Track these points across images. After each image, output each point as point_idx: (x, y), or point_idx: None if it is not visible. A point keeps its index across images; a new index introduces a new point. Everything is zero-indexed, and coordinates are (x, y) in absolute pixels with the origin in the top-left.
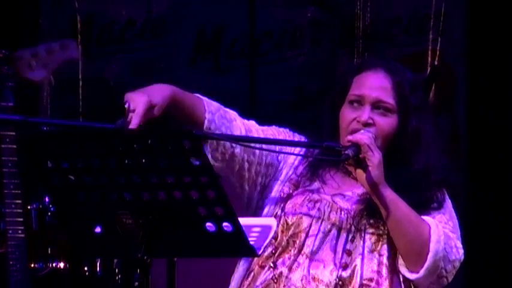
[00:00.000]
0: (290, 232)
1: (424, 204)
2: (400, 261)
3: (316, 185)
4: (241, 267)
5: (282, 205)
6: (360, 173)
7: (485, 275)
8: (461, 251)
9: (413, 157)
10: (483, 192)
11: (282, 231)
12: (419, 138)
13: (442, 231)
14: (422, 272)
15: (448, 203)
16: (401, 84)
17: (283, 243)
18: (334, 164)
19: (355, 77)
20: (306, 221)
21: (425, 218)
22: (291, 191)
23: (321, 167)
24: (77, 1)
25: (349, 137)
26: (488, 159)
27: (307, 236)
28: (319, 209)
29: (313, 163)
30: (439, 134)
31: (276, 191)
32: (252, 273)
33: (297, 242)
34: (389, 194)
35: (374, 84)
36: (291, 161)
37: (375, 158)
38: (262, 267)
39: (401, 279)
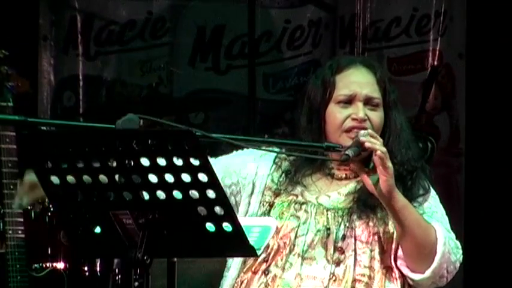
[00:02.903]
0: (280, 234)
1: (410, 192)
2: (400, 262)
3: (298, 189)
4: (228, 273)
5: (267, 213)
6: (366, 178)
7: (485, 274)
8: (460, 251)
9: (396, 148)
10: (483, 191)
11: (272, 237)
12: (400, 129)
13: (445, 233)
14: (428, 272)
15: (434, 194)
16: (383, 79)
17: (274, 246)
18: (317, 167)
19: (337, 76)
20: (294, 222)
21: (427, 217)
22: (272, 199)
23: (299, 172)
24: (77, 1)
25: (367, 144)
26: (487, 158)
27: (296, 236)
28: (306, 211)
29: (289, 170)
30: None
31: (255, 202)
32: (246, 280)
33: (287, 242)
34: (401, 199)
35: (361, 81)
36: (263, 173)
37: (390, 169)
38: (255, 273)
39: (396, 276)
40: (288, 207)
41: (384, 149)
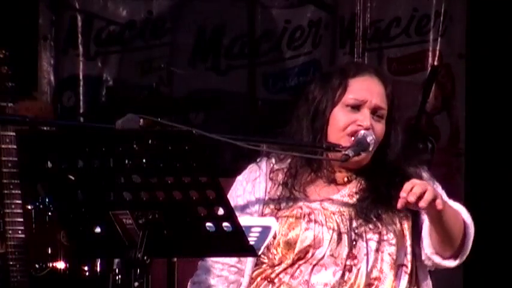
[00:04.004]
0: (296, 249)
1: None
2: (431, 251)
3: (300, 200)
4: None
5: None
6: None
7: (485, 275)
8: (472, 222)
9: (395, 165)
10: (483, 191)
11: (286, 253)
12: (401, 146)
13: (466, 212)
14: (462, 257)
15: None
16: (392, 93)
17: (288, 261)
18: (316, 172)
19: (349, 80)
20: (309, 235)
21: (451, 202)
22: (275, 214)
23: (298, 182)
24: (77, 1)
25: (422, 205)
26: (487, 158)
27: (315, 249)
28: (315, 221)
29: (286, 183)
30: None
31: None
32: (254, 285)
33: (306, 256)
34: (444, 201)
35: (373, 90)
36: (260, 195)
37: (440, 199)
38: (264, 279)
39: (408, 270)
40: (296, 221)
41: (434, 193)
